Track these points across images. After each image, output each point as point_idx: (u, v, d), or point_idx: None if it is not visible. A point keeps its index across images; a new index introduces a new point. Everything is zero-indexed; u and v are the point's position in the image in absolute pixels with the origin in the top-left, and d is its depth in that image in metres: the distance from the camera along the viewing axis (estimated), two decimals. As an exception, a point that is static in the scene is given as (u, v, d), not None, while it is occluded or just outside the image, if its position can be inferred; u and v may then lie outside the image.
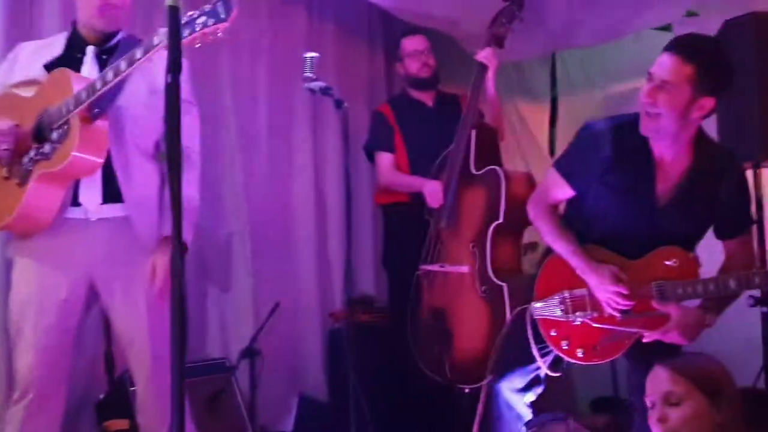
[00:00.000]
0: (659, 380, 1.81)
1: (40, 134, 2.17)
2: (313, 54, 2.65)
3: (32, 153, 2.16)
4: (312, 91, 2.68)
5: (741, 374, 3.02)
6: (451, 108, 3.59)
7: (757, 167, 2.99)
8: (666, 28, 4.13)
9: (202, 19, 1.88)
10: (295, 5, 3.93)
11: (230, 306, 3.61)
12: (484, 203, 3.15)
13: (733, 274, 2.08)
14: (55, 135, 2.12)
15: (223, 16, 1.86)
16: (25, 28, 3.03)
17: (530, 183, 3.24)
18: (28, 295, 2.21)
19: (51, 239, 2.21)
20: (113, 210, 2.26)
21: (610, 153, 2.19)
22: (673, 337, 2.10)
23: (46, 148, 2.13)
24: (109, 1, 2.24)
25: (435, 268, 3.21)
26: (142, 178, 2.28)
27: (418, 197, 3.36)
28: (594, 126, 2.26)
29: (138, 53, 2.00)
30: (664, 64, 2.07)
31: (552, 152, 4.70)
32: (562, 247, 2.25)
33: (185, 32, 1.89)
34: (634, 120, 2.20)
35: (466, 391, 3.06)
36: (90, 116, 2.13)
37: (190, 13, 1.90)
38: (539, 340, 2.27)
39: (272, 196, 3.78)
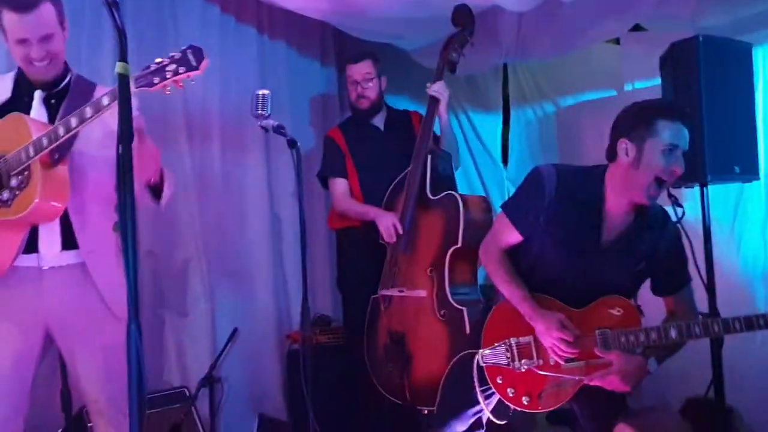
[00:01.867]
0: None
1: None
2: (265, 91, 2.62)
3: None
4: (265, 129, 2.65)
5: (693, 386, 3.18)
6: (402, 128, 3.61)
7: (704, 187, 3.08)
8: (615, 40, 4.22)
9: (173, 66, 1.88)
10: (246, 24, 3.87)
11: (188, 332, 3.56)
12: (442, 228, 3.18)
13: (674, 324, 2.15)
14: (14, 181, 2.07)
15: (194, 64, 1.87)
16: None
17: (486, 206, 3.28)
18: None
19: (4, 290, 2.15)
20: (69, 257, 2.20)
21: (559, 200, 2.22)
22: (613, 384, 2.14)
23: (4, 195, 2.08)
24: (31, 57, 2.15)
25: (393, 292, 3.23)
26: (99, 224, 2.23)
27: (370, 223, 3.37)
28: (543, 171, 2.27)
29: (105, 100, 1.96)
30: (681, 133, 2.13)
31: (505, 162, 4.77)
32: (511, 293, 2.28)
33: (155, 79, 1.89)
34: (587, 171, 2.26)
35: (425, 412, 3.10)
36: (51, 162, 2.08)
37: (158, 60, 1.89)
38: (483, 382, 2.29)
39: (228, 221, 3.73)
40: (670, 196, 2.39)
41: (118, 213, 1.53)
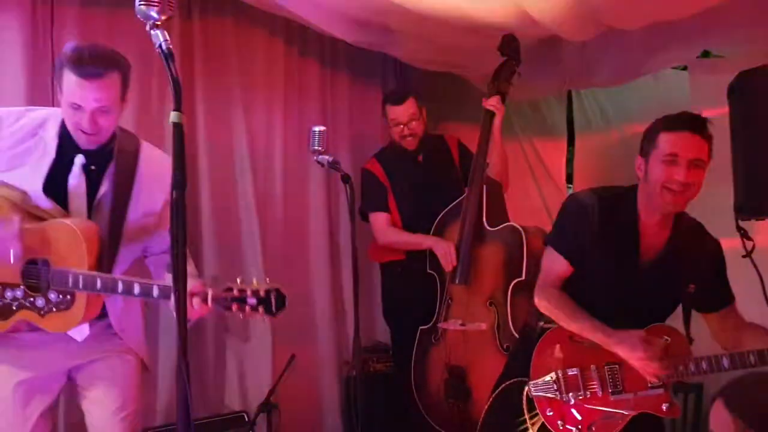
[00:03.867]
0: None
1: (31, 277, 2.06)
2: (321, 128, 2.68)
3: (18, 293, 2.06)
4: (320, 164, 2.71)
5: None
6: (439, 153, 3.60)
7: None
8: (682, 66, 4.12)
9: (253, 301, 1.89)
10: (309, 56, 3.97)
11: (249, 357, 3.65)
12: (503, 260, 3.15)
13: (727, 354, 2.10)
14: (53, 295, 2.04)
15: (273, 310, 1.88)
16: (46, 90, 3.11)
17: (544, 236, 3.24)
18: (3, 399, 2.14)
19: (23, 346, 2.14)
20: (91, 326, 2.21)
21: (600, 224, 2.24)
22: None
23: (39, 302, 2.05)
24: (90, 132, 2.05)
25: (453, 326, 3.19)
26: (123, 304, 2.25)
27: (414, 254, 3.38)
28: (582, 197, 2.31)
29: (155, 291, 1.97)
30: (692, 143, 2.12)
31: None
32: (580, 329, 2.26)
33: (233, 305, 1.89)
34: (622, 192, 2.27)
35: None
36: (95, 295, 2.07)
37: (241, 286, 1.89)
38: (532, 412, 2.29)
39: (288, 249, 3.81)
40: (739, 229, 2.33)
41: (171, 256, 1.58)
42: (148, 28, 1.59)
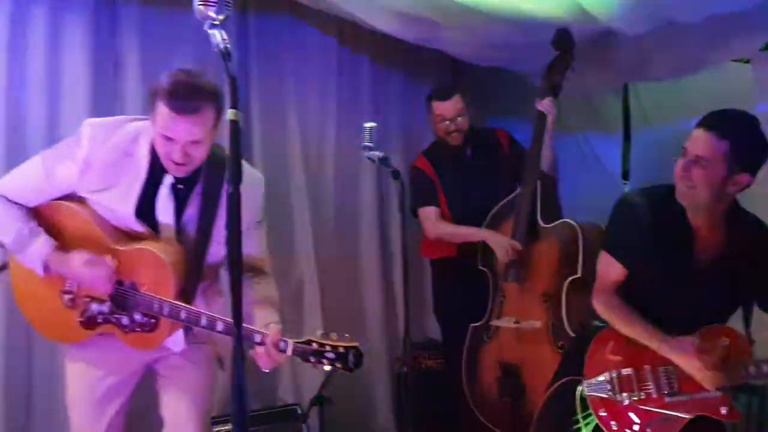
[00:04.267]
0: None
1: (118, 296, 2.10)
2: (372, 124, 2.70)
3: (105, 308, 2.12)
4: (371, 160, 2.73)
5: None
6: (489, 148, 3.56)
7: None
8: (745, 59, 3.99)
9: (331, 356, 1.96)
10: (362, 54, 4.01)
11: (301, 353, 3.69)
12: (558, 257, 3.12)
13: None
14: (138, 316, 2.09)
15: (350, 366, 1.95)
16: (110, 95, 3.21)
17: (600, 233, 3.19)
18: (81, 390, 2.21)
19: (107, 351, 2.19)
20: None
21: (650, 225, 2.20)
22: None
23: (124, 320, 2.10)
24: (180, 162, 2.02)
25: (506, 323, 3.17)
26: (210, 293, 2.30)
27: (465, 250, 3.35)
28: (630, 198, 2.28)
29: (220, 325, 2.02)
30: (699, 140, 2.09)
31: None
32: (635, 333, 2.22)
33: (311, 357, 1.96)
34: (669, 190, 2.21)
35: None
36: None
37: (322, 339, 1.96)
38: (585, 412, 2.26)
39: (339, 245, 3.86)
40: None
41: (227, 249, 1.62)
42: (205, 27, 1.62)
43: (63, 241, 2.11)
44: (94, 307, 2.12)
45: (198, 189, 2.13)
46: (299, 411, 3.44)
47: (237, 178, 1.59)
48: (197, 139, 2.00)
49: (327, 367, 1.96)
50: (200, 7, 1.60)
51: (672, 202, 2.19)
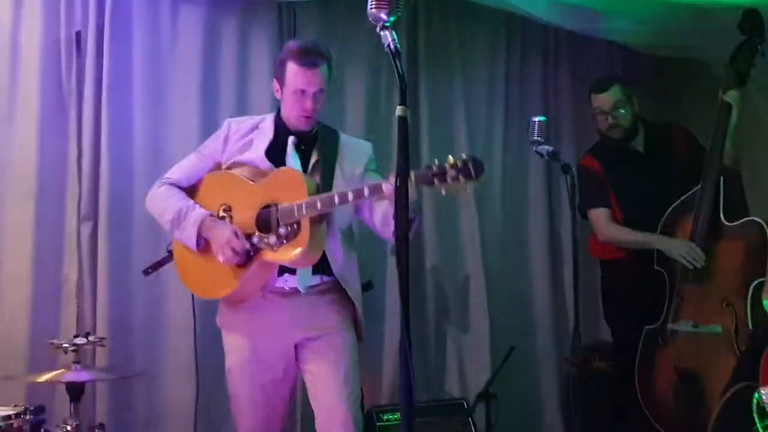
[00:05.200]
0: None
1: (263, 222, 2.33)
2: (541, 118, 2.67)
3: (255, 239, 2.33)
4: (540, 154, 2.70)
5: None
6: (664, 146, 3.33)
7: None
8: None
9: (453, 173, 1.98)
10: (531, 49, 3.98)
11: (468, 346, 3.74)
12: (743, 258, 2.90)
13: None
14: (282, 230, 2.29)
15: (473, 174, 1.96)
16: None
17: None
18: (240, 364, 2.42)
19: (256, 312, 2.41)
20: (317, 279, 2.44)
21: None
22: None
23: (272, 239, 2.30)
24: (311, 114, 2.42)
25: (685, 327, 2.99)
26: (345, 251, 2.46)
27: (638, 250, 3.20)
28: None
29: (366, 191, 2.18)
30: None
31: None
32: None
33: (435, 180, 2.00)
34: None
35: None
36: (318, 218, 2.29)
37: (438, 162, 2.00)
38: (764, 420, 2.10)
39: (507, 240, 3.85)
40: None
41: (396, 242, 1.68)
42: (378, 29, 1.72)
43: (215, 202, 2.44)
44: (245, 242, 2.33)
45: (317, 146, 2.48)
46: (465, 405, 3.48)
47: (404, 171, 1.67)
48: (321, 89, 2.41)
49: (456, 175, 1.97)
50: (373, 10, 1.71)
51: None
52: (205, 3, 3.34)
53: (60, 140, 3.11)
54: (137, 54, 3.24)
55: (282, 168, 2.39)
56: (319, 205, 2.24)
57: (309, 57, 2.38)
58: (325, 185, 2.38)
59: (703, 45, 3.68)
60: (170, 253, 2.57)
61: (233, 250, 2.30)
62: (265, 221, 2.33)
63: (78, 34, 3.13)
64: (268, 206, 2.34)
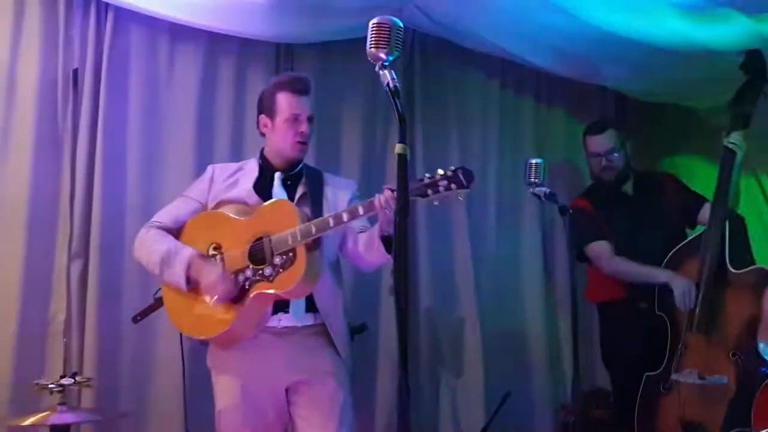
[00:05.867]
0: None
1: (257, 255, 2.31)
2: (537, 160, 2.68)
3: (248, 272, 2.30)
4: (537, 196, 2.69)
5: None
6: (654, 192, 3.36)
7: None
8: None
9: (444, 182, 2.05)
10: (525, 93, 4.01)
11: (462, 391, 3.66)
12: (751, 307, 2.85)
13: None
14: (278, 260, 2.27)
15: (464, 183, 2.04)
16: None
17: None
18: (230, 406, 2.36)
19: (248, 353, 2.36)
20: (310, 318, 2.41)
21: None
22: None
23: (267, 270, 2.28)
24: (306, 139, 2.49)
25: (689, 379, 2.92)
26: (331, 286, 2.45)
27: (637, 292, 3.18)
28: None
29: (360, 210, 2.22)
30: None
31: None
32: None
33: (428, 191, 2.07)
34: None
35: None
36: (313, 245, 2.29)
37: (429, 174, 2.08)
38: None
39: (502, 283, 3.82)
40: None
41: (394, 278, 1.66)
42: (377, 68, 1.73)
43: (204, 241, 2.42)
44: (240, 277, 2.31)
45: (303, 180, 2.52)
46: (459, 453, 3.41)
47: (405, 210, 1.65)
48: (312, 115, 2.50)
49: (448, 185, 2.04)
50: (372, 49, 1.73)
51: None
52: (203, 42, 3.35)
53: (53, 177, 3.08)
54: (133, 92, 3.23)
55: (270, 201, 2.40)
56: (314, 229, 2.24)
57: (300, 84, 2.49)
58: (315, 215, 2.37)
59: (699, 93, 3.73)
60: (158, 300, 2.53)
61: (224, 289, 2.27)
62: (258, 253, 2.31)
63: (75, 71, 3.12)
64: (259, 239, 2.32)
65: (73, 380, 2.42)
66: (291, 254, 2.26)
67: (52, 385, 2.39)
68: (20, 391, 2.86)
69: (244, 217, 2.39)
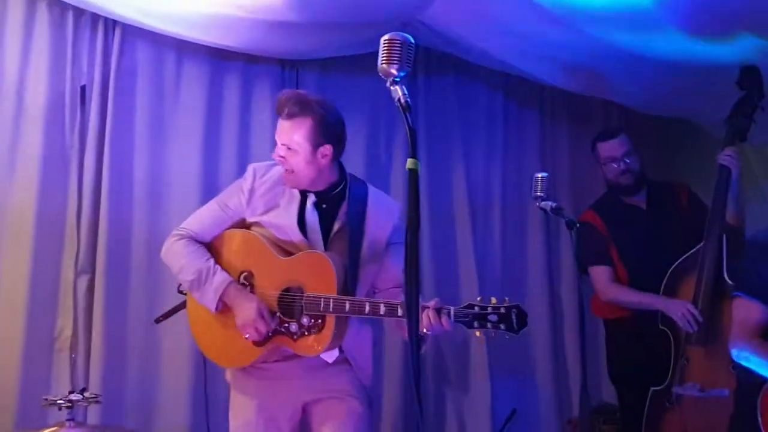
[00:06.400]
0: None
1: (286, 306, 2.21)
2: (543, 174, 2.68)
3: (275, 320, 2.21)
4: (543, 209, 2.69)
5: None
6: (666, 203, 3.33)
7: None
8: None
9: (494, 319, 1.96)
10: (528, 107, 4.03)
11: (468, 407, 3.66)
12: (749, 319, 2.87)
13: None
14: (305, 320, 2.18)
15: (515, 327, 1.95)
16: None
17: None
18: (246, 424, 2.29)
19: (268, 371, 2.30)
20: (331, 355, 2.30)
21: None
22: None
23: (293, 327, 2.20)
24: (278, 157, 2.26)
25: (691, 392, 2.90)
26: (355, 330, 2.33)
27: (642, 310, 3.16)
28: (759, 237, 2.21)
29: (400, 311, 2.07)
30: None
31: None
32: None
33: (475, 323, 1.97)
34: None
35: None
36: (345, 318, 2.19)
37: (481, 304, 1.98)
38: None
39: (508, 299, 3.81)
40: None
41: (405, 296, 1.66)
42: (388, 84, 1.73)
43: (235, 267, 2.29)
44: (271, 324, 2.21)
45: (343, 209, 2.32)
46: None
47: (416, 226, 1.65)
48: (287, 145, 2.23)
49: (497, 322, 1.93)
50: (384, 65, 1.72)
51: None
52: (209, 58, 3.39)
53: (60, 193, 3.10)
54: (140, 109, 3.25)
55: (312, 252, 2.24)
56: (347, 306, 2.13)
57: (284, 108, 2.25)
58: (351, 259, 2.25)
59: (702, 107, 3.75)
60: (182, 303, 2.44)
61: (257, 330, 2.19)
62: (288, 305, 2.22)
63: (83, 88, 3.15)
64: (289, 288, 2.23)
65: (81, 396, 2.41)
66: (320, 321, 2.18)
67: (61, 401, 2.38)
68: (27, 406, 2.86)
69: (281, 255, 2.25)
